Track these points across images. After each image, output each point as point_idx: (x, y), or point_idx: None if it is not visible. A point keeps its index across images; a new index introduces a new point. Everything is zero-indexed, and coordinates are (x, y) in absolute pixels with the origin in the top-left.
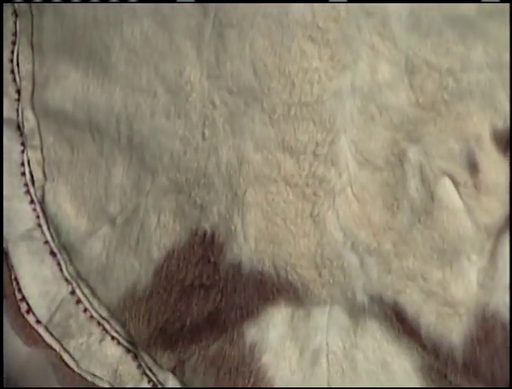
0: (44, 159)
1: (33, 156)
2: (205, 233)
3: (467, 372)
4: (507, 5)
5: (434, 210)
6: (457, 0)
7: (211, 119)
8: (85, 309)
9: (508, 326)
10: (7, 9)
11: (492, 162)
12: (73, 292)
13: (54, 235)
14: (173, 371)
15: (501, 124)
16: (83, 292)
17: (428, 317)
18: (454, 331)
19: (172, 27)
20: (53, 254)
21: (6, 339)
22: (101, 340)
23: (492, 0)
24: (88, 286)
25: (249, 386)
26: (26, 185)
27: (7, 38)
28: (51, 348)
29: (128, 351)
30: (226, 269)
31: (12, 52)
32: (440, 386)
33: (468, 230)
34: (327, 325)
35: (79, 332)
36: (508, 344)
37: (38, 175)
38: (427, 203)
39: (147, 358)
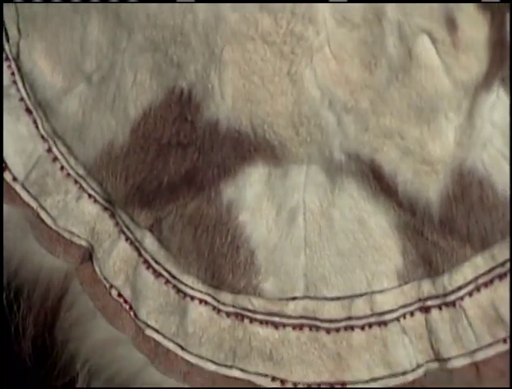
0: (18, 15)
1: (7, 12)
2: (182, 91)
3: (443, 228)
4: None
5: (412, 68)
6: (457, 0)
7: None
8: (62, 167)
9: (484, 183)
10: None
11: (470, 19)
12: (49, 150)
13: (30, 92)
14: (151, 229)
15: None
16: (59, 150)
17: (405, 174)
18: (430, 188)
19: None
20: (28, 111)
21: None
22: (78, 198)
23: (493, 0)
24: (65, 144)
25: (227, 244)
26: None
27: None
28: (28, 206)
29: (105, 209)
30: (203, 127)
31: None
32: (416, 243)
33: (446, 88)
34: (304, 184)
35: (56, 190)
36: (485, 201)
37: (13, 32)
38: (405, 61)
39: (124, 216)
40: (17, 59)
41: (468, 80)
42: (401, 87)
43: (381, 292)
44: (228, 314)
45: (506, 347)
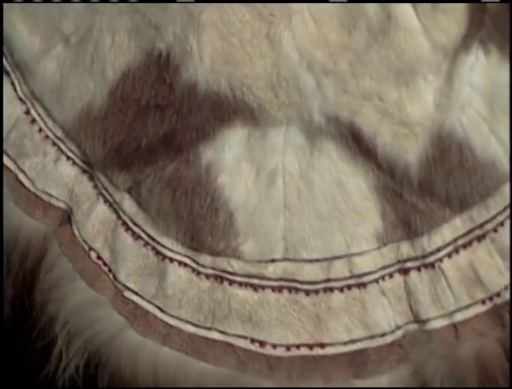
0: None
1: None
2: (160, 54)
3: (422, 191)
4: None
5: (391, 30)
6: (457, 0)
7: None
8: (40, 129)
9: (464, 146)
10: None
11: None
12: (27, 112)
13: (7, 54)
14: (129, 191)
15: None
16: (37, 112)
17: (384, 137)
18: (409, 150)
19: None
20: (6, 73)
21: None
22: (56, 160)
23: (493, 0)
24: (43, 106)
25: (206, 206)
26: None
27: None
28: (7, 168)
29: (84, 171)
30: (182, 89)
31: None
32: (395, 205)
33: (425, 50)
34: (283, 146)
35: (34, 152)
36: (464, 164)
37: None
38: (384, 23)
39: (102, 178)
40: None
41: (447, 42)
42: (380, 50)
43: (360, 254)
44: (207, 276)
45: (484, 308)
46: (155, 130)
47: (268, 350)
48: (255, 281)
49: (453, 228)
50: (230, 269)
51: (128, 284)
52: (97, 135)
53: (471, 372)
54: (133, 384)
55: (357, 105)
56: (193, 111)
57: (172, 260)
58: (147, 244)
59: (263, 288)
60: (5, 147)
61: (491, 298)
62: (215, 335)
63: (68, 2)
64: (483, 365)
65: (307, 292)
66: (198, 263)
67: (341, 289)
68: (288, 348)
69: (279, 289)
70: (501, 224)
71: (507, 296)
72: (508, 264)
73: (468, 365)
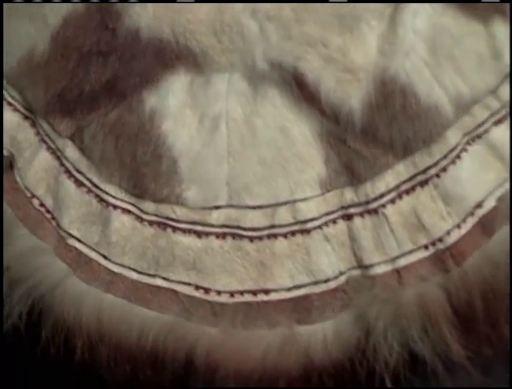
0: None
1: None
2: None
3: (365, 137)
4: None
5: None
6: (455, 0)
7: None
8: None
9: (407, 91)
10: None
11: None
12: None
13: None
14: (72, 138)
15: None
16: None
17: (327, 83)
18: (353, 96)
19: None
20: None
21: None
22: None
23: (493, 0)
24: None
25: (149, 153)
26: None
27: None
28: None
29: (26, 118)
30: (124, 35)
31: None
32: (339, 151)
33: None
34: (227, 92)
35: None
36: (407, 109)
37: None
38: None
39: (45, 125)
40: None
41: None
42: None
43: (303, 200)
44: (150, 223)
45: (427, 253)
46: (98, 77)
47: (212, 297)
48: (199, 228)
49: (396, 174)
50: (173, 216)
51: (71, 232)
52: (39, 81)
53: (414, 317)
54: (76, 331)
55: (301, 51)
56: (136, 57)
57: (115, 207)
58: (90, 191)
59: (207, 234)
60: None
61: (433, 243)
62: (158, 282)
63: (68, 2)
64: (426, 311)
65: (251, 239)
66: (141, 210)
67: (285, 235)
68: (232, 294)
69: (223, 236)
70: (444, 169)
71: (449, 241)
72: (450, 209)
73: (411, 311)
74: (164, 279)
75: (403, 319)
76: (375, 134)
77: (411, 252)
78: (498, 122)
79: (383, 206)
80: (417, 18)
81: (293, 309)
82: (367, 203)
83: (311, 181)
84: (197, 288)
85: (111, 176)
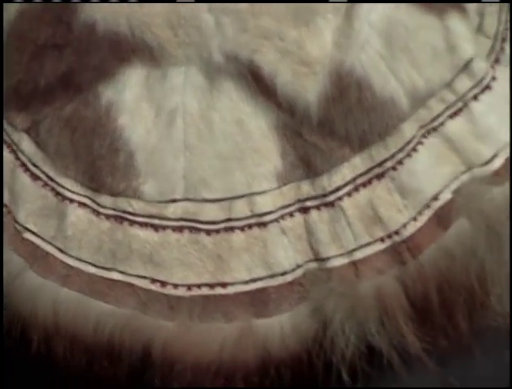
0: None
1: None
2: None
3: (321, 130)
4: None
5: None
6: (454, 0)
7: None
8: None
9: (363, 84)
10: None
11: None
12: None
13: None
14: (28, 132)
15: None
16: None
17: (283, 76)
18: (309, 89)
19: None
20: None
21: None
22: None
23: (493, 0)
24: None
25: (105, 146)
26: None
27: None
28: None
29: None
30: (80, 29)
31: None
32: (295, 144)
33: None
34: (183, 86)
35: None
36: (363, 102)
37: None
38: None
39: None
40: None
41: None
42: None
43: (260, 193)
44: (107, 217)
45: (383, 246)
46: (53, 70)
47: (169, 290)
48: (156, 221)
49: (352, 166)
50: (130, 209)
51: (27, 226)
52: None
53: (371, 310)
54: (32, 323)
55: (257, 44)
56: (91, 50)
57: (71, 201)
58: (46, 184)
59: (164, 228)
60: None
61: (390, 236)
62: (115, 276)
63: (68, 2)
64: (382, 303)
65: (208, 232)
66: (98, 204)
67: (242, 229)
68: (189, 287)
69: (180, 229)
70: (400, 162)
71: (406, 233)
72: (406, 202)
73: (368, 303)
74: (121, 272)
75: (359, 312)
76: (331, 127)
77: (367, 245)
78: (454, 115)
79: (340, 199)
80: (372, 11)
81: (250, 303)
82: (323, 195)
83: (268, 175)
84: (153, 281)
85: (66, 169)
